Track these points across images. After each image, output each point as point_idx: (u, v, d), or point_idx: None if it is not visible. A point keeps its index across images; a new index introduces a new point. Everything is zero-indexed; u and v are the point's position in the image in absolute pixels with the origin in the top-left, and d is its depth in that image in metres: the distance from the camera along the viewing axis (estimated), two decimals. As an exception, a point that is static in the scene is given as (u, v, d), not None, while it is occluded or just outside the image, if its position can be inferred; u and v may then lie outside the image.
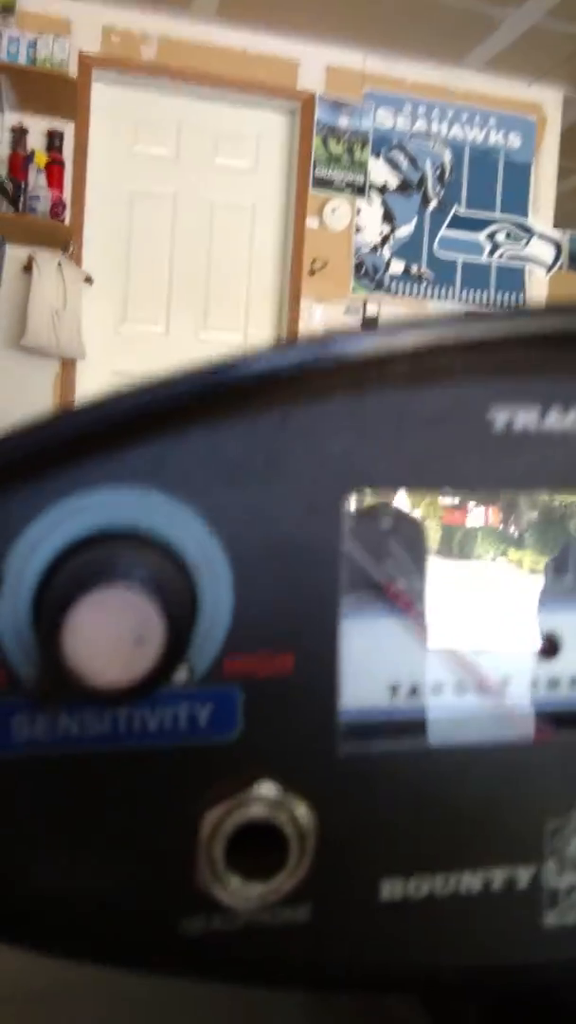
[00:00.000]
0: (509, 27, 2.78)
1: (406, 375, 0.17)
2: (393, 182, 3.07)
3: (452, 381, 0.18)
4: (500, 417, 0.18)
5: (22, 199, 2.59)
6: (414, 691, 0.20)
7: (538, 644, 0.21)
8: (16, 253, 2.62)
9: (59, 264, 2.60)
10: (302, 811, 0.17)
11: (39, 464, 0.16)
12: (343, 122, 3.02)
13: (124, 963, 0.18)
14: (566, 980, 0.19)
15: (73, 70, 2.65)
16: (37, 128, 2.72)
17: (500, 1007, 0.23)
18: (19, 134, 2.67)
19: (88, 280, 2.68)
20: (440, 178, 3.06)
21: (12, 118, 2.68)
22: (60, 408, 0.16)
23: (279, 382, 0.17)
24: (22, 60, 2.54)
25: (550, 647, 0.21)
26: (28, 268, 2.63)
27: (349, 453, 0.17)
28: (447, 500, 0.21)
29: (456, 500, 0.21)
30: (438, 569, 0.20)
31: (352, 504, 0.18)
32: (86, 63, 2.73)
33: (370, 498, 0.19)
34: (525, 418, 0.18)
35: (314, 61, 2.98)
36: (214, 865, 0.17)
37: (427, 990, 0.22)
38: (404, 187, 3.01)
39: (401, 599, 0.20)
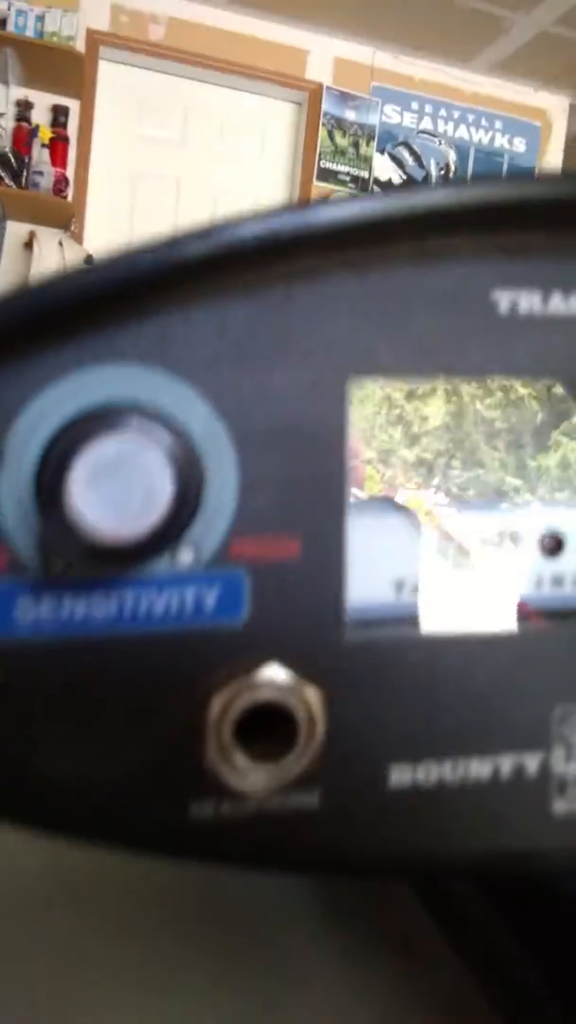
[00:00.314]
0: (518, 31, 2.79)
1: (407, 252, 0.17)
2: (396, 179, 3.07)
3: (456, 260, 0.17)
4: (504, 299, 0.18)
5: (25, 174, 2.58)
6: (418, 589, 0.20)
7: (542, 543, 0.20)
8: (17, 229, 2.62)
9: (60, 242, 2.60)
10: (311, 694, 0.17)
11: (35, 339, 0.16)
12: (350, 115, 3.02)
13: (136, 847, 0.18)
14: (574, 866, 0.19)
15: (80, 46, 2.64)
16: (42, 103, 2.71)
17: (502, 898, 0.23)
18: (24, 108, 2.66)
19: (89, 259, 2.67)
20: (444, 177, 3.07)
21: (18, 92, 2.67)
22: (56, 273, 0.16)
23: (281, 254, 0.16)
24: (29, 33, 2.53)
25: (555, 546, 0.20)
26: (29, 245, 2.62)
27: (353, 333, 0.17)
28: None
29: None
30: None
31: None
32: (94, 40, 2.72)
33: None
34: (529, 301, 0.18)
35: (323, 52, 2.98)
36: (223, 747, 0.17)
37: (437, 876, 0.22)
38: (408, 184, 3.01)
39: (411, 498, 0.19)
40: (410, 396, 0.19)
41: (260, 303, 0.17)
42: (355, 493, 0.19)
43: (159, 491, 0.14)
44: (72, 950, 0.26)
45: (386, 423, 0.19)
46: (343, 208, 0.17)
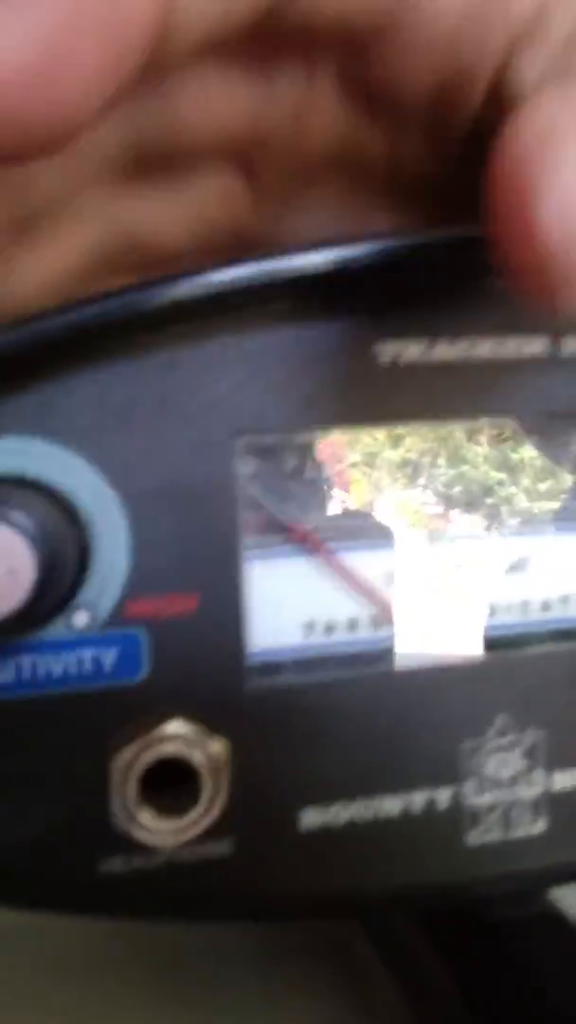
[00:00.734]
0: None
1: (287, 312, 0.17)
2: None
3: (335, 317, 0.18)
4: (386, 351, 0.18)
5: None
6: (329, 628, 0.20)
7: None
8: None
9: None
10: (215, 746, 0.18)
11: None
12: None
13: (46, 906, 0.18)
14: (489, 895, 0.20)
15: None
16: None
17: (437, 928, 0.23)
18: None
19: None
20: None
21: None
22: None
23: (160, 321, 0.17)
24: None
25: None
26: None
27: (238, 393, 0.17)
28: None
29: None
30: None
31: (249, 446, 0.18)
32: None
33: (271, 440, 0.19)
34: (412, 350, 0.18)
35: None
36: (127, 804, 0.17)
37: (354, 914, 0.23)
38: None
39: (309, 539, 0.20)
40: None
41: (142, 368, 0.17)
42: (256, 540, 0.19)
43: (22, 572, 0.14)
44: (9, 989, 0.26)
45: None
46: (222, 274, 0.17)
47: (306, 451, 0.20)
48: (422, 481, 0.21)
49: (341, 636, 0.20)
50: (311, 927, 0.27)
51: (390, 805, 0.19)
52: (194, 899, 0.18)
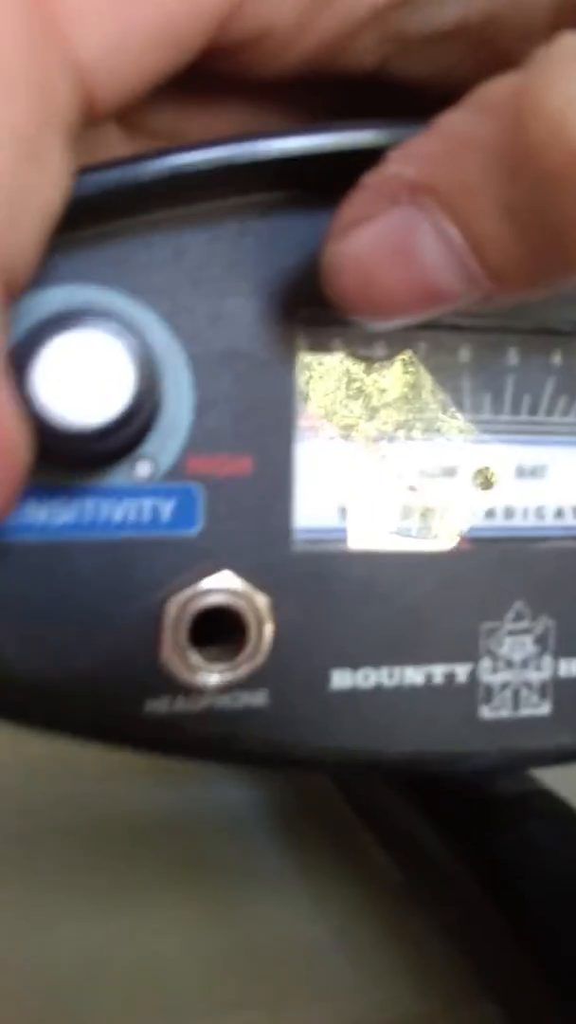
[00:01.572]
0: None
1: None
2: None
3: None
4: None
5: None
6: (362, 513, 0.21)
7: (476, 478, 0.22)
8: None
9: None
10: (260, 600, 0.19)
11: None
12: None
13: (95, 738, 0.19)
14: (497, 767, 0.21)
15: None
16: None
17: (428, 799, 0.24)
18: None
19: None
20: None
21: None
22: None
23: (233, 185, 0.18)
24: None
25: (486, 482, 0.22)
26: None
27: (303, 269, 0.18)
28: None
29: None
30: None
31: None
32: None
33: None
34: None
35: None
36: (179, 647, 0.18)
37: (373, 773, 0.24)
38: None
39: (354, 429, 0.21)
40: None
41: (214, 233, 0.18)
42: (306, 422, 0.20)
43: (122, 383, 0.15)
44: (46, 876, 0.27)
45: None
46: (294, 141, 0.18)
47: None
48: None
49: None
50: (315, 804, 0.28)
51: (413, 675, 0.21)
52: (230, 744, 0.20)
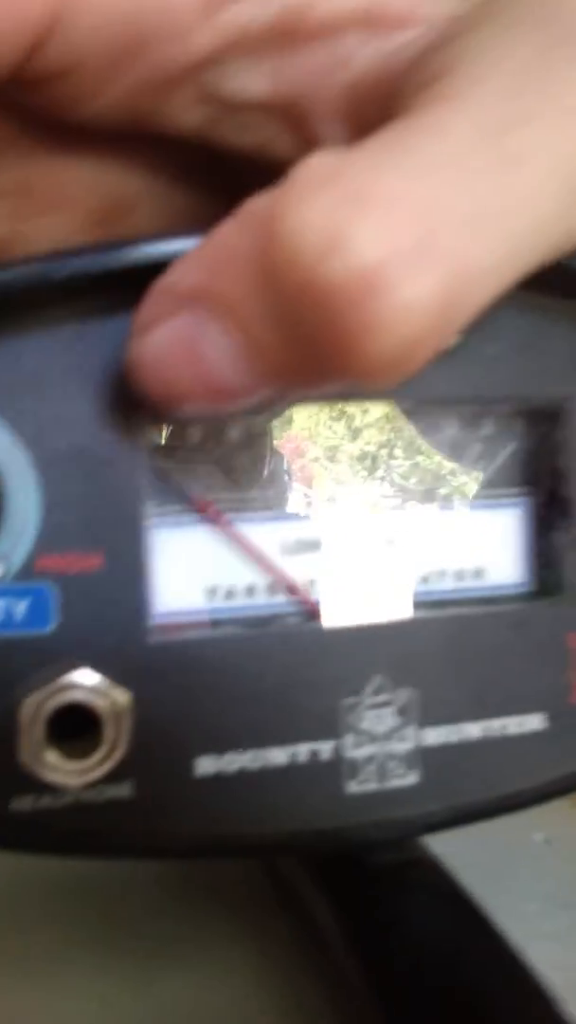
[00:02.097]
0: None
1: None
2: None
3: None
4: None
5: None
6: (230, 594, 0.22)
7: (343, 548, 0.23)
8: None
9: None
10: (118, 694, 0.19)
11: None
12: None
13: None
14: (367, 841, 0.21)
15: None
16: None
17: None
18: None
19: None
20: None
21: None
22: None
23: (75, 293, 0.18)
24: None
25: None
26: None
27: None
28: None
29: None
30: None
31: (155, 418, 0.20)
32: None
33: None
34: None
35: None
36: (36, 746, 0.18)
37: (245, 856, 0.24)
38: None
39: (210, 510, 0.22)
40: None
41: (54, 337, 0.19)
42: (161, 508, 0.21)
43: None
44: None
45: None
46: (125, 252, 0.19)
47: (211, 425, 0.22)
48: (380, 472, 0.24)
49: (239, 602, 0.22)
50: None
51: (277, 756, 0.21)
52: (97, 838, 0.20)
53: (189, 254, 0.15)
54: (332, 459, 0.23)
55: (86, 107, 0.19)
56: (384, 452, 0.23)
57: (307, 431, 0.22)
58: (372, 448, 0.23)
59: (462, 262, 0.13)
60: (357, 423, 0.22)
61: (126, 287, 0.18)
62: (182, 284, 0.15)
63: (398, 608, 0.23)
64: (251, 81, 0.19)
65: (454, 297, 0.13)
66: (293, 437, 0.22)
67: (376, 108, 0.18)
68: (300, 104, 0.20)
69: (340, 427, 0.23)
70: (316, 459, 0.23)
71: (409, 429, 0.24)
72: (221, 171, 0.22)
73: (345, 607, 0.23)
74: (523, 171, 0.14)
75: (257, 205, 0.14)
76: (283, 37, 0.19)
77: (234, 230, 0.14)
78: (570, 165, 0.14)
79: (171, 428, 0.21)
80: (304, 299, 0.13)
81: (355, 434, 0.23)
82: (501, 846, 0.31)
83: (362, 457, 0.23)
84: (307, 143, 0.20)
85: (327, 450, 0.22)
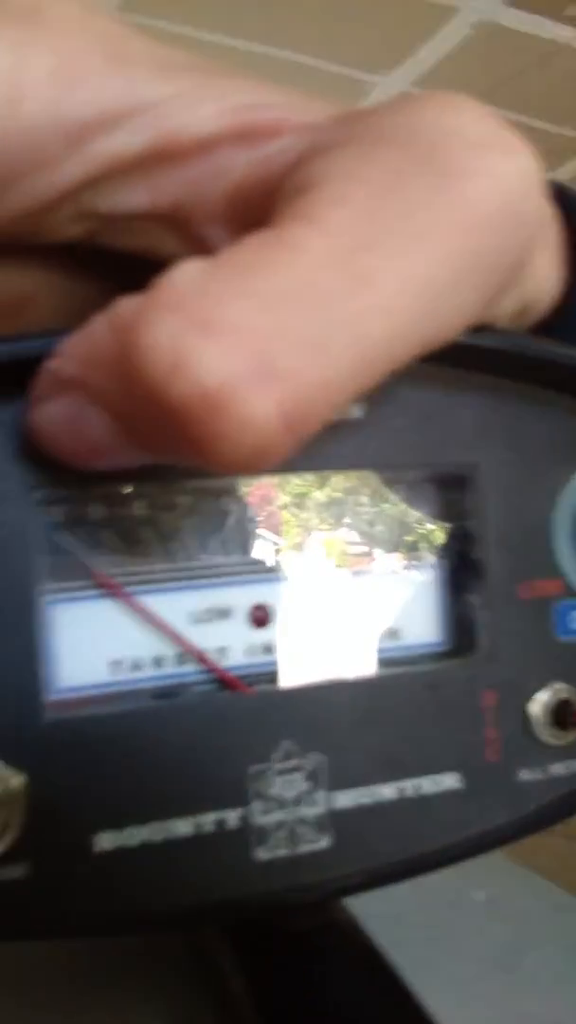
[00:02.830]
0: (378, 95, 2.85)
1: None
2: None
3: None
4: None
5: None
6: (136, 666, 0.22)
7: (251, 616, 0.23)
8: None
9: None
10: (9, 775, 0.19)
11: None
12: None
13: None
14: (278, 907, 0.22)
15: None
16: None
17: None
18: None
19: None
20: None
21: None
22: None
23: None
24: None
25: (263, 618, 0.23)
26: None
27: (33, 451, 0.19)
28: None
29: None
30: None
31: (49, 498, 0.20)
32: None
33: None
34: None
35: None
36: None
37: (151, 930, 0.24)
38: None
39: (111, 585, 0.22)
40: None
41: None
42: (60, 585, 0.21)
43: None
44: None
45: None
46: (22, 346, 0.19)
47: (112, 500, 0.22)
48: (347, 520, 0.24)
49: (147, 672, 0.22)
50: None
51: (182, 827, 0.21)
52: None
53: (68, 342, 0.16)
54: (260, 512, 0.23)
55: None
56: (301, 517, 0.23)
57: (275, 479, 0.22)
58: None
59: (301, 380, 0.14)
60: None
61: (7, 380, 0.18)
62: (62, 371, 0.16)
63: (311, 671, 0.23)
64: (128, 197, 0.20)
65: (296, 410, 0.14)
66: (260, 486, 0.22)
67: (259, 208, 0.18)
68: (181, 211, 0.20)
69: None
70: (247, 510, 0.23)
71: (330, 498, 0.24)
72: (117, 260, 0.22)
73: (257, 673, 0.23)
74: (374, 291, 0.15)
75: (125, 308, 0.15)
76: (157, 158, 0.19)
77: (103, 330, 0.15)
78: (417, 283, 0.15)
79: (68, 505, 0.21)
80: (159, 407, 0.14)
81: (263, 506, 0.23)
82: (441, 905, 0.31)
83: (289, 518, 0.23)
84: (193, 243, 0.20)
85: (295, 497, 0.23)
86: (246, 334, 0.14)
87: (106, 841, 0.20)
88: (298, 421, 0.14)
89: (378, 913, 0.26)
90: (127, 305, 0.15)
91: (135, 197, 0.20)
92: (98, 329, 0.15)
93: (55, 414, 0.17)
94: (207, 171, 0.19)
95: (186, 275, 0.15)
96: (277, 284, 0.15)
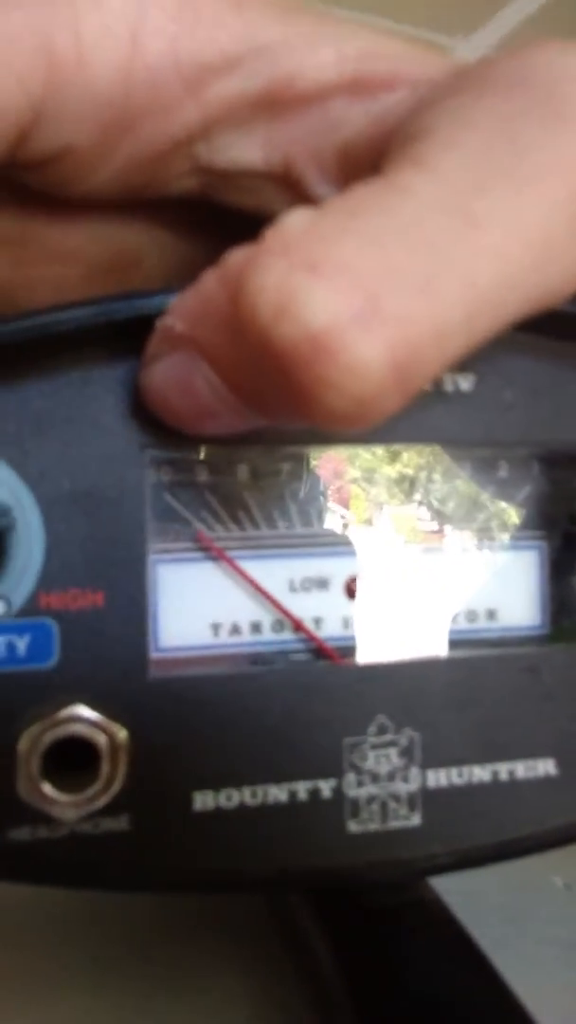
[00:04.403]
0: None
1: None
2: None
3: None
4: None
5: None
6: (235, 630, 0.22)
7: (347, 588, 0.23)
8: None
9: None
10: (115, 730, 0.19)
11: None
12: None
13: None
14: (367, 881, 0.22)
15: None
16: None
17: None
18: None
19: None
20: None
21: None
22: None
23: (77, 344, 0.19)
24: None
25: (354, 590, 0.23)
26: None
27: (146, 411, 0.19)
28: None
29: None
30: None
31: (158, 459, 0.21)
32: None
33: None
34: None
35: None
36: (32, 779, 0.19)
37: (242, 891, 0.24)
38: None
39: (214, 548, 0.22)
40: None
41: (58, 384, 0.19)
42: (165, 546, 0.21)
43: None
44: None
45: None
46: (139, 304, 0.19)
47: (218, 464, 0.22)
48: (418, 496, 0.24)
49: (245, 638, 0.22)
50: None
51: (276, 793, 0.21)
52: (94, 870, 0.20)
53: (180, 298, 0.16)
54: (367, 484, 0.23)
55: (80, 185, 0.20)
56: (403, 492, 0.23)
57: (345, 453, 0.22)
58: (392, 488, 0.23)
59: (411, 324, 0.14)
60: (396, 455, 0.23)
61: (125, 338, 0.19)
62: (174, 329, 0.16)
63: (408, 648, 0.23)
64: (243, 150, 0.20)
65: (404, 357, 0.14)
66: (330, 459, 0.22)
67: (369, 166, 0.18)
68: (294, 168, 0.20)
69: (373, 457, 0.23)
70: (353, 480, 0.23)
71: (434, 469, 0.24)
72: (224, 219, 0.22)
73: (353, 645, 0.23)
74: (484, 234, 0.14)
75: (234, 259, 0.15)
76: (271, 107, 0.19)
77: (213, 282, 0.15)
78: (531, 228, 0.15)
79: (177, 467, 0.22)
80: (265, 354, 0.14)
81: (369, 478, 0.23)
82: (519, 888, 0.31)
83: (391, 491, 0.23)
84: (305, 202, 0.20)
85: (364, 472, 0.23)
86: (353, 274, 0.13)
87: (203, 801, 0.21)
88: (406, 370, 0.14)
89: (455, 890, 0.26)
90: (236, 255, 0.15)
91: (248, 152, 0.20)
92: (208, 283, 0.15)
93: (166, 373, 0.17)
94: (320, 123, 0.19)
95: (295, 221, 0.14)
96: (386, 225, 0.14)
